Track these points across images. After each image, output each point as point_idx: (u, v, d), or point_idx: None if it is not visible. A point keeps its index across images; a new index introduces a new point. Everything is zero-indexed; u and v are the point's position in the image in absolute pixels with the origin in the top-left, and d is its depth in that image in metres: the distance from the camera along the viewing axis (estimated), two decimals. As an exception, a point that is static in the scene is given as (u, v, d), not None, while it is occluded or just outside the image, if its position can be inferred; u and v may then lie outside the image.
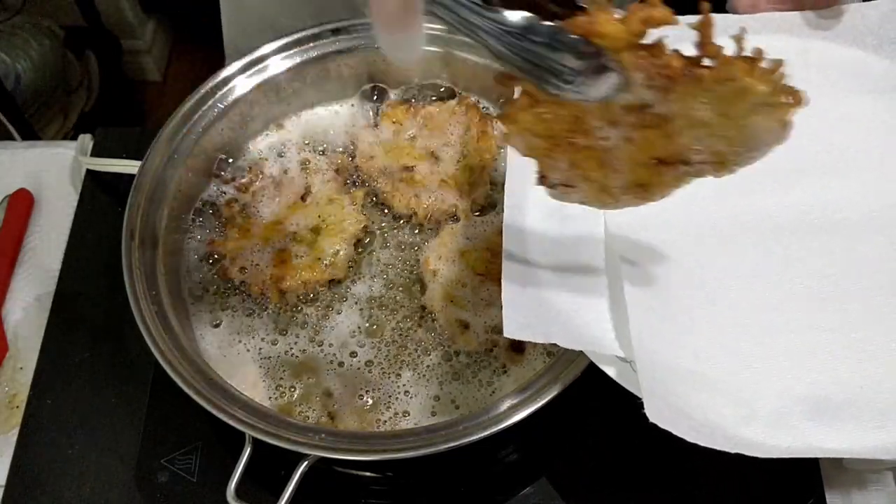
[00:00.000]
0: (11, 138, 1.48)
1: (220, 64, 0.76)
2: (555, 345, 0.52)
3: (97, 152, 0.84)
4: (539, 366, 0.64)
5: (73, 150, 0.87)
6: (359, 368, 0.66)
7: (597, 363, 0.52)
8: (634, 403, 0.48)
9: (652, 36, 0.40)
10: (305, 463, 0.57)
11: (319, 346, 0.67)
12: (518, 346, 0.65)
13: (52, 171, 0.87)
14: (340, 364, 0.66)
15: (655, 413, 0.47)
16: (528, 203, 0.61)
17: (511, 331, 0.52)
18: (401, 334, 0.68)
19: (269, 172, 0.76)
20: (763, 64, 0.40)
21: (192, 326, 0.68)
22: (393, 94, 0.80)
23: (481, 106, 0.78)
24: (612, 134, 0.45)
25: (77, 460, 0.69)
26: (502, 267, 0.56)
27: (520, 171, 0.61)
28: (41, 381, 0.72)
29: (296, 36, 0.76)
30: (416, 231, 0.73)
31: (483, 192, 0.74)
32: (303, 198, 0.74)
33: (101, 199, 0.83)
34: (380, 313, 0.69)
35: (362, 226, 0.71)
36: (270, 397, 0.65)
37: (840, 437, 0.50)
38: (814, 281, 0.58)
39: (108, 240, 0.76)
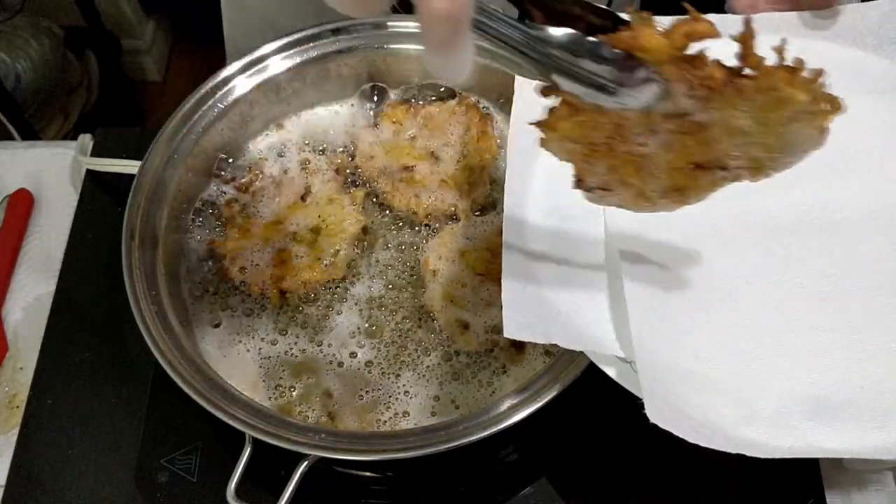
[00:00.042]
0: (11, 138, 1.48)
1: (220, 64, 0.75)
2: (555, 345, 0.52)
3: (97, 152, 0.84)
4: (539, 366, 0.64)
5: (73, 150, 0.87)
6: (359, 369, 0.66)
7: (597, 363, 0.52)
8: (634, 403, 0.48)
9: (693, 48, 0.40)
10: (305, 463, 0.57)
11: (319, 346, 0.67)
12: (518, 346, 0.65)
13: (52, 171, 0.87)
14: (340, 364, 0.66)
15: (656, 413, 0.47)
16: (528, 203, 0.61)
17: (511, 331, 0.52)
18: (401, 334, 0.68)
19: (269, 172, 0.76)
20: (804, 73, 0.40)
21: (192, 326, 0.68)
22: (393, 94, 0.80)
23: (481, 106, 0.78)
24: (651, 140, 0.45)
25: (77, 460, 0.69)
26: (502, 267, 0.56)
27: (520, 170, 0.61)
28: (41, 381, 0.72)
29: (296, 36, 0.76)
30: (416, 231, 0.73)
31: (483, 191, 0.74)
32: (303, 198, 0.74)
33: (101, 199, 0.83)
34: (379, 313, 0.69)
35: (362, 226, 0.71)
36: (270, 397, 0.65)
37: (840, 438, 0.50)
38: (814, 281, 0.58)
39: (108, 240, 0.76)
